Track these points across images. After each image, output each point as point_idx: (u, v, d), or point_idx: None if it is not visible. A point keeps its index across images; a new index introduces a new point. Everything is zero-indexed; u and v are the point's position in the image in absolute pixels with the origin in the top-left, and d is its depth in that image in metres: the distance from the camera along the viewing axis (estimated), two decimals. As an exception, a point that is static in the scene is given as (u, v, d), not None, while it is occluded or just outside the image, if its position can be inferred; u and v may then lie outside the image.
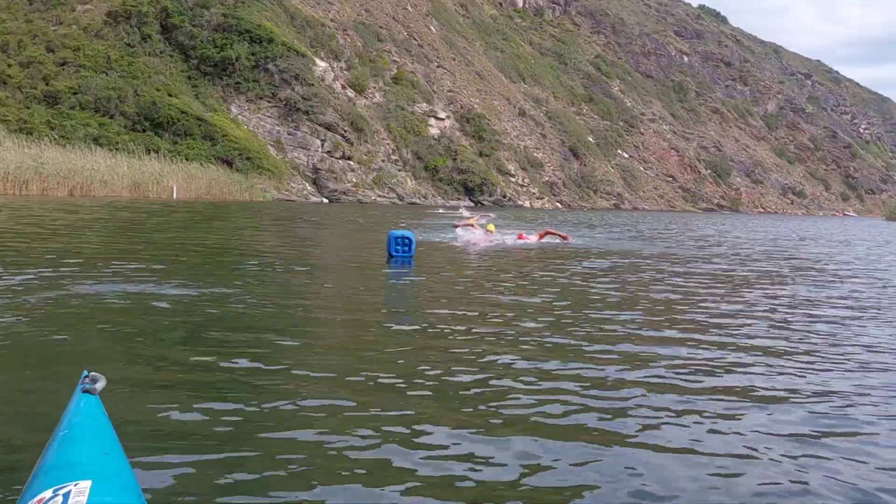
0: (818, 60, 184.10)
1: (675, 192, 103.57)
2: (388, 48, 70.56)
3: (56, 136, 35.64)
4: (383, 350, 4.65)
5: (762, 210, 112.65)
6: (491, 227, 20.96)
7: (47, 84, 42.77)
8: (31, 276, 6.75)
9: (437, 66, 76.08)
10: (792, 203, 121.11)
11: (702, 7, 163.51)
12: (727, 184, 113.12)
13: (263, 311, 5.84)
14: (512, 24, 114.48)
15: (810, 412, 3.71)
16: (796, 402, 3.90)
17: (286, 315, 5.81)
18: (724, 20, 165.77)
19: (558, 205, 75.29)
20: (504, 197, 65.26)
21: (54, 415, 2.18)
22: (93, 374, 2.21)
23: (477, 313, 6.22)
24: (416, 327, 5.47)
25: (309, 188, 50.27)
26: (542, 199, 73.00)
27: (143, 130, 42.80)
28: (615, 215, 53.13)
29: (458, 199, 60.32)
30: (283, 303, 6.38)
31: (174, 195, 34.64)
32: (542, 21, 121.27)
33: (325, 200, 49.24)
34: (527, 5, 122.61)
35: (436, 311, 6.30)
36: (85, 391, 2.11)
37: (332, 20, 66.86)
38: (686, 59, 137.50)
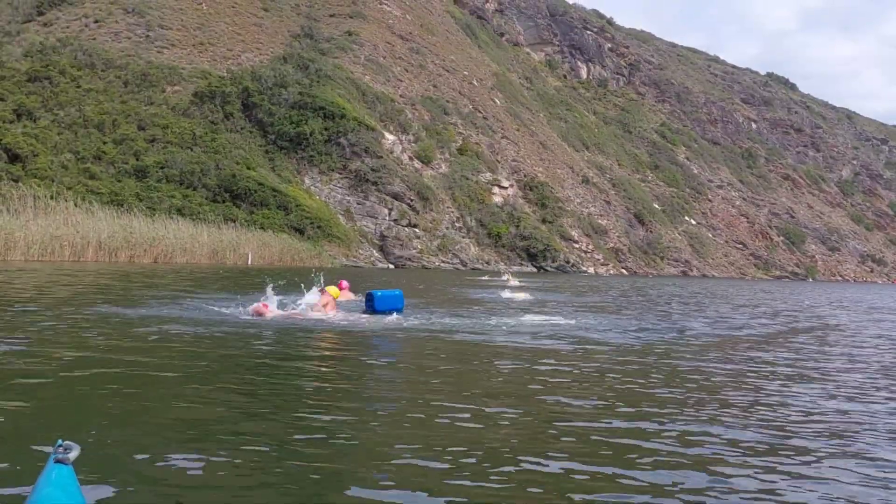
0: (895, 126, 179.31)
1: (745, 260, 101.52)
2: (454, 121, 73.21)
3: (144, 207, 38.41)
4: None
5: (840, 278, 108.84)
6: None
7: (137, 159, 46.28)
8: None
9: (502, 137, 78.21)
10: (871, 271, 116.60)
11: (770, 74, 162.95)
12: (801, 251, 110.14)
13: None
14: (576, 95, 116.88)
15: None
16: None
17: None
18: (793, 87, 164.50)
19: (623, 271, 75.04)
20: (567, 263, 65.61)
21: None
22: (67, 443, 2.06)
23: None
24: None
25: (376, 254, 52.06)
26: (606, 265, 72.97)
27: (223, 201, 45.60)
28: (682, 283, 52.59)
29: (521, 264, 61.13)
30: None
31: (249, 261, 36.61)
32: (607, 91, 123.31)
33: (391, 266, 50.83)
34: (591, 76, 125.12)
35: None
36: (58, 461, 1.98)
37: (401, 96, 70.10)
38: (754, 125, 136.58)
